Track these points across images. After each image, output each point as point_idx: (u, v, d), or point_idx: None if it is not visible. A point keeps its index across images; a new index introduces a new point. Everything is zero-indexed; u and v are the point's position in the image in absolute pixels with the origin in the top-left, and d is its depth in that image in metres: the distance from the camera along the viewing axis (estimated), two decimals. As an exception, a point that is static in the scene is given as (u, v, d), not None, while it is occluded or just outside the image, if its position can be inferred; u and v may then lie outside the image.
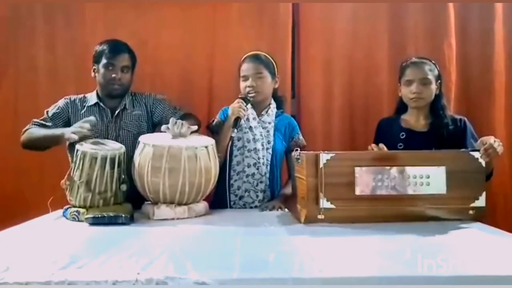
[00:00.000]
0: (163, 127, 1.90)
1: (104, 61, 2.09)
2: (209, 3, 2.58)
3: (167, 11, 2.57)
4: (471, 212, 1.68)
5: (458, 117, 2.08)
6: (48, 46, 2.56)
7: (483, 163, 1.69)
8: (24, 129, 2.08)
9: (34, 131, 2.05)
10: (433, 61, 2.10)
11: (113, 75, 2.08)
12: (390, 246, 1.36)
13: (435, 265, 1.10)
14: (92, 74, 2.15)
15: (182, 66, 2.59)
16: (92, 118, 1.96)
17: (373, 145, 1.88)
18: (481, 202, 1.68)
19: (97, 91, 2.18)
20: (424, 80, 2.03)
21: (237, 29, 2.59)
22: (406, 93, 2.08)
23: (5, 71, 2.56)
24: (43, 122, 2.09)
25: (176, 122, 1.88)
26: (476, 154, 1.69)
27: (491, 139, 1.70)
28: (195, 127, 1.94)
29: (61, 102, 2.16)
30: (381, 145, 1.86)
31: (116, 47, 2.11)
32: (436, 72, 2.08)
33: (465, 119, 2.07)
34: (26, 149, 2.08)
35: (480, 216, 1.69)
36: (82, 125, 1.86)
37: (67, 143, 1.96)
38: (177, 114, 2.15)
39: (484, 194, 1.68)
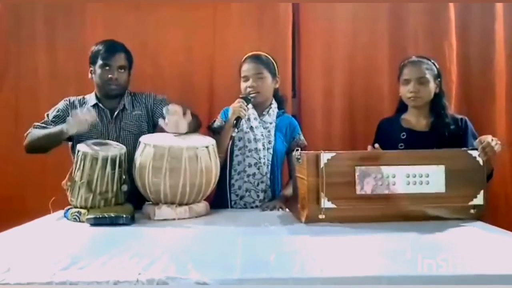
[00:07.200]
0: (160, 121, 1.90)
1: (100, 61, 2.08)
2: (209, 4, 2.58)
3: (167, 12, 2.57)
4: (471, 211, 1.68)
5: (459, 116, 2.08)
6: (49, 47, 2.56)
7: (481, 162, 1.69)
8: (26, 133, 2.06)
9: (35, 133, 2.04)
10: (432, 60, 2.10)
11: (110, 76, 2.07)
12: (391, 246, 1.36)
13: (435, 265, 1.10)
14: (89, 75, 2.14)
15: (182, 67, 2.59)
16: (90, 108, 1.97)
17: (370, 146, 1.89)
18: (479, 200, 1.68)
19: (95, 92, 2.17)
20: (421, 79, 2.03)
21: (237, 29, 2.59)
22: (404, 92, 2.08)
23: (6, 72, 2.55)
24: (44, 125, 2.08)
25: (168, 110, 1.88)
26: (474, 153, 1.70)
27: (488, 138, 1.71)
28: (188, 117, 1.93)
29: (60, 104, 2.15)
30: (376, 145, 1.87)
31: (112, 47, 2.10)
32: (435, 71, 2.07)
33: (466, 118, 2.06)
34: (30, 153, 2.05)
35: (481, 215, 1.69)
36: (84, 115, 1.86)
37: (70, 144, 1.95)
38: None
39: (482, 192, 1.68)
